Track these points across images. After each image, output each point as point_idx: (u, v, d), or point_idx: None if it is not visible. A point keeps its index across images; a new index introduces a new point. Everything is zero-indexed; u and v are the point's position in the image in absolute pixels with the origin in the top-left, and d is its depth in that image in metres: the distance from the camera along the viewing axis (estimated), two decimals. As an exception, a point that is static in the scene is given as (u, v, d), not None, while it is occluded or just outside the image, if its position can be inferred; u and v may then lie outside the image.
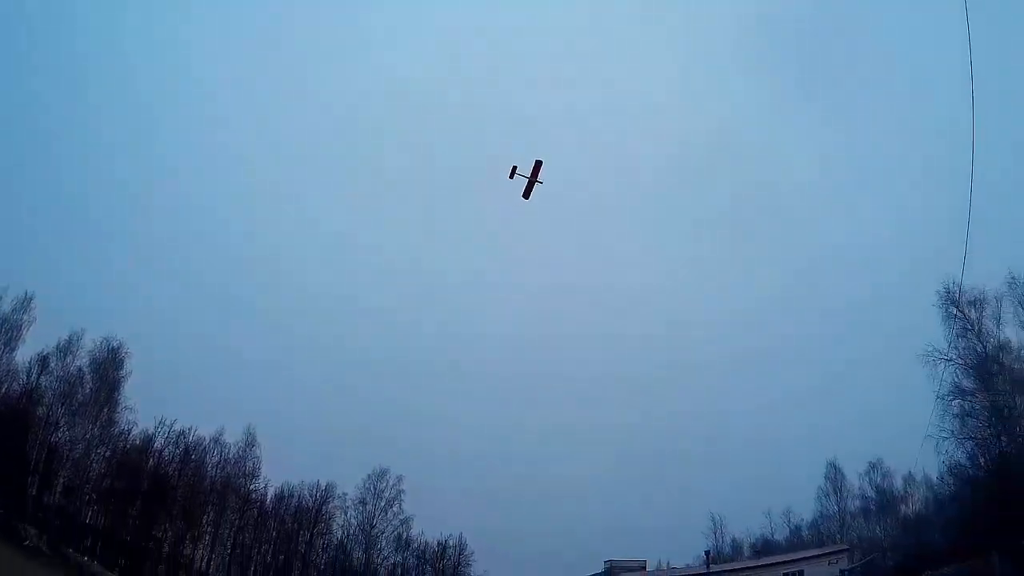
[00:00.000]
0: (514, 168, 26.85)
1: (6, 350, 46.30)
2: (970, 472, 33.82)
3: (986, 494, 29.27)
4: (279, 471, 56.44)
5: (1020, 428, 29.27)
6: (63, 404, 46.05)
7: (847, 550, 46.12)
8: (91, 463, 46.74)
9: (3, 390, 47.38)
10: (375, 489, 55.10)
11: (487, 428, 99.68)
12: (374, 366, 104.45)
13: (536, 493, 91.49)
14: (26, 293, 48.55)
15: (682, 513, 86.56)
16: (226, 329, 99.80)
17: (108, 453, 47.48)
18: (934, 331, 33.22)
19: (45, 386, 47.68)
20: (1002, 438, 31.46)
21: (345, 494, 54.32)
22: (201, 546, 48.01)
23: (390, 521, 54.81)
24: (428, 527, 67.86)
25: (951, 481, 38.33)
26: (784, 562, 46.68)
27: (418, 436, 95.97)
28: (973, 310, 32.22)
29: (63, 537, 42.96)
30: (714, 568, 48.41)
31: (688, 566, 52.95)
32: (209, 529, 48.11)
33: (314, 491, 53.05)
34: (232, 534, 48.62)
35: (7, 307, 46.72)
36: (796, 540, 58.68)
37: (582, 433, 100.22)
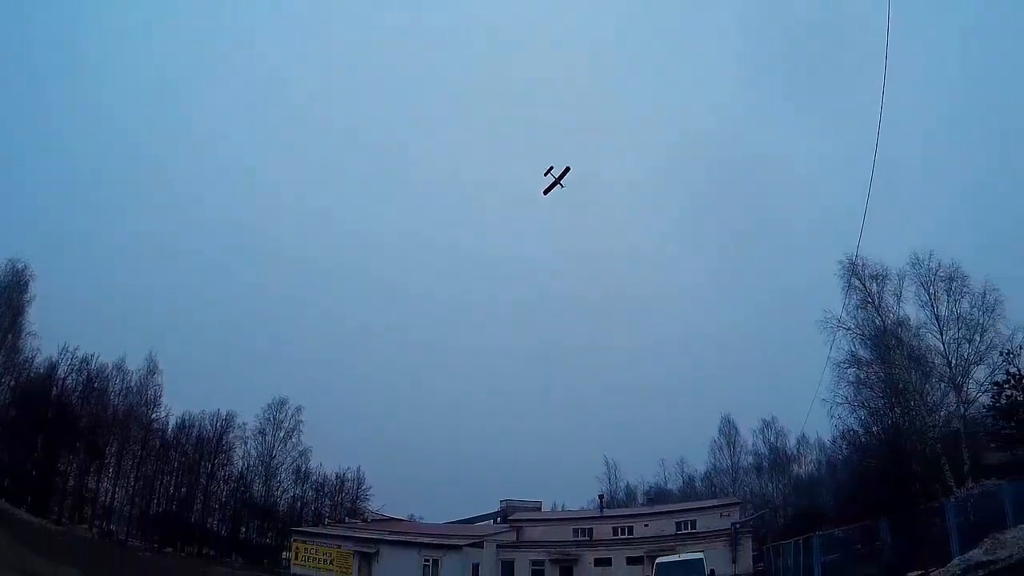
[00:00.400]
0: (550, 168, 32.69)
1: None
2: (862, 439, 34.60)
3: (877, 462, 29.84)
4: (181, 401, 54.03)
5: (914, 403, 29.51)
6: None
7: (739, 503, 46.42)
8: None
9: None
10: (274, 419, 53.86)
11: (391, 368, 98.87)
12: (275, 295, 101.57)
13: (434, 435, 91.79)
14: None
15: (577, 458, 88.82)
16: (125, 252, 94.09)
17: (12, 383, 45.09)
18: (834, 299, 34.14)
19: None
20: (896, 410, 31.91)
21: (245, 424, 52.97)
22: (105, 478, 46.68)
23: (289, 452, 53.85)
24: (327, 460, 66.60)
25: (843, 446, 39.36)
26: (677, 511, 46.58)
27: (318, 372, 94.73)
28: (875, 284, 32.65)
29: None
30: (607, 513, 48.91)
31: (583, 509, 53.09)
32: (112, 461, 46.84)
33: (215, 421, 51.56)
34: (135, 465, 47.24)
35: None
36: (689, 491, 59.61)
37: (482, 371, 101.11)
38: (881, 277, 32.57)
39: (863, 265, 32.47)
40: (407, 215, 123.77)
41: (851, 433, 33.55)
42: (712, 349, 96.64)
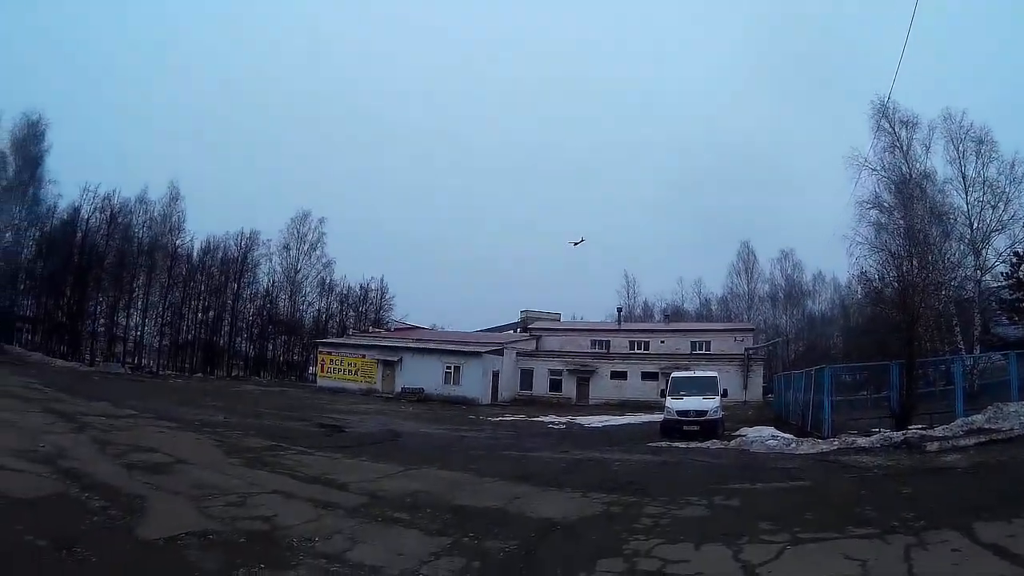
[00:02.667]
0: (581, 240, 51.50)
1: None
2: (875, 286, 35.19)
3: (889, 310, 30.49)
4: (205, 224, 54.32)
5: (932, 258, 29.39)
6: None
7: (753, 330, 47.29)
8: (23, 249, 44.75)
9: None
10: (298, 233, 54.40)
11: (410, 179, 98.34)
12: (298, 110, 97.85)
13: (456, 247, 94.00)
14: None
15: (596, 272, 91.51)
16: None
17: (37, 234, 45.33)
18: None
19: None
20: (913, 261, 32.15)
21: (269, 241, 53.62)
22: (135, 313, 47.66)
23: (313, 265, 54.82)
24: (351, 271, 68.86)
25: (858, 290, 39.90)
26: (693, 330, 47.93)
27: (341, 182, 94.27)
28: (904, 130, 31.67)
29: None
30: (625, 326, 50.73)
31: (602, 322, 54.68)
32: (140, 294, 47.48)
33: (239, 240, 51.89)
34: (163, 295, 47.97)
35: None
36: (705, 313, 61.36)
37: (502, 179, 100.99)
38: (911, 124, 31.57)
39: (894, 109, 31.56)
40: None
41: (866, 278, 34.03)
42: (736, 158, 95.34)
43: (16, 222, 43.45)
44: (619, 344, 46.87)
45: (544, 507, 7.44)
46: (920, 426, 13.27)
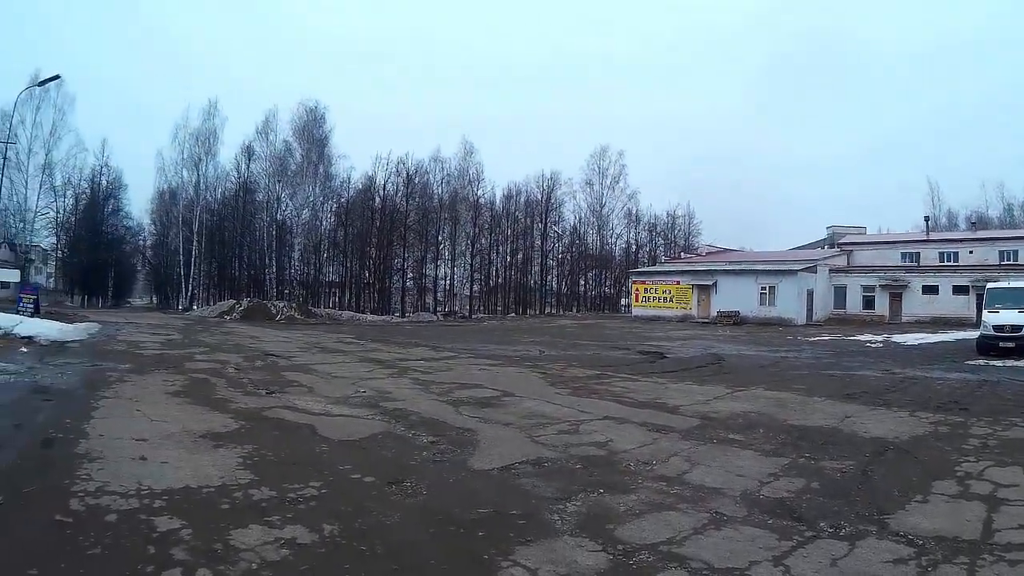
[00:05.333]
0: None
1: (209, 159, 48.57)
2: None
3: None
4: (504, 173, 56.89)
5: None
6: (279, 181, 48.44)
7: None
8: (321, 222, 49.71)
9: (220, 194, 50.87)
10: (599, 168, 55.55)
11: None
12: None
13: (759, 166, 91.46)
14: (209, 100, 50.53)
15: (897, 178, 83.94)
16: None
17: (335, 207, 49.88)
18: None
19: (258, 172, 50.21)
20: None
21: (571, 179, 54.86)
22: (442, 264, 50.70)
23: (618, 198, 55.71)
24: (656, 200, 69.22)
25: None
26: (1002, 238, 44.06)
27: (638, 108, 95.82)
28: None
29: (312, 300, 46.69)
30: (933, 236, 46.89)
31: (908, 233, 51.06)
32: (447, 244, 50.32)
33: (541, 182, 53.38)
34: (469, 243, 50.55)
35: (196, 121, 47.93)
36: (1008, 219, 55.48)
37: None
38: None
39: None
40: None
41: None
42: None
43: (312, 199, 48.59)
44: (928, 256, 43.74)
45: (874, 426, 7.37)
46: None
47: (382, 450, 5.93)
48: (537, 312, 49.14)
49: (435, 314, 45.30)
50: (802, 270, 38.07)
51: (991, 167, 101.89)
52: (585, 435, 6.69)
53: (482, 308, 49.63)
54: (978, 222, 52.74)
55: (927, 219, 50.27)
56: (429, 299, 49.77)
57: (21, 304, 20.31)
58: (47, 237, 50.70)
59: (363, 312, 43.33)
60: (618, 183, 54.89)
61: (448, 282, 50.82)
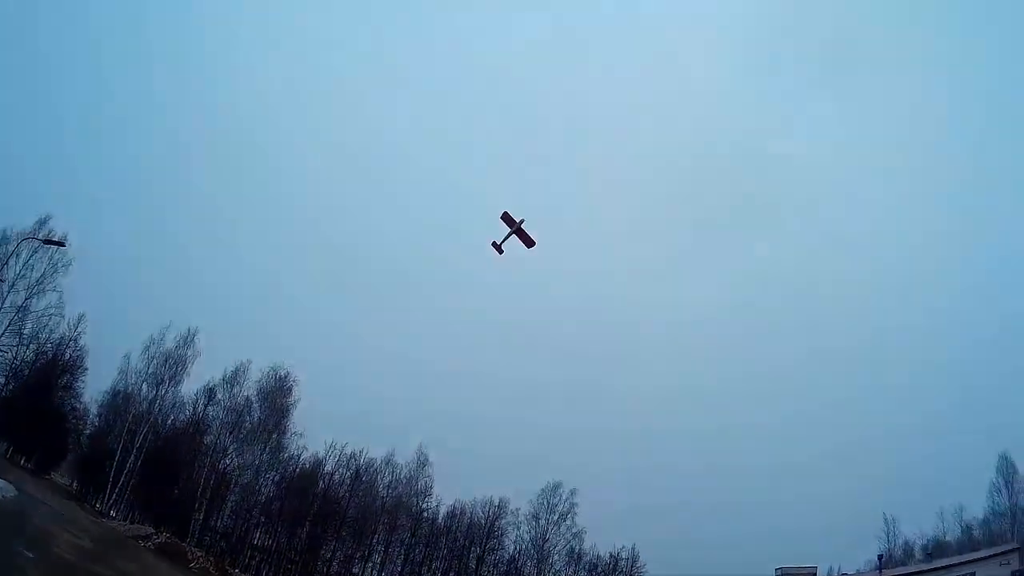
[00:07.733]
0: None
1: (171, 384, 48.37)
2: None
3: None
4: (451, 490, 57.91)
5: None
6: (231, 433, 47.92)
7: (1018, 549, 43.68)
8: (260, 487, 48.34)
9: (171, 421, 49.63)
10: (548, 503, 54.98)
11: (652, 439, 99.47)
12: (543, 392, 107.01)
13: (703, 504, 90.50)
14: (189, 329, 49.75)
15: (849, 513, 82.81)
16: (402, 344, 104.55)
17: (277, 477, 49.00)
18: None
19: (213, 416, 49.60)
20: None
21: (518, 509, 54.36)
22: (370, 565, 48.99)
23: (563, 535, 54.58)
24: (600, 539, 68.39)
25: None
26: (955, 564, 44.97)
27: (589, 454, 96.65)
28: None
29: (230, 557, 44.08)
30: (886, 573, 46.56)
31: (859, 572, 51.41)
32: (379, 548, 49.02)
33: (487, 507, 53.24)
34: (403, 552, 49.43)
35: (171, 343, 48.44)
36: (967, 541, 55.56)
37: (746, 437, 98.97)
38: None
39: None
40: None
41: None
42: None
43: (257, 463, 47.13)
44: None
45: None
46: None
47: None
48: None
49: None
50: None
51: (948, 494, 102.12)
52: None
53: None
54: (934, 551, 52.79)
55: (880, 557, 50.73)
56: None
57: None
58: (-2, 373, 49.30)
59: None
60: (565, 520, 54.31)
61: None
